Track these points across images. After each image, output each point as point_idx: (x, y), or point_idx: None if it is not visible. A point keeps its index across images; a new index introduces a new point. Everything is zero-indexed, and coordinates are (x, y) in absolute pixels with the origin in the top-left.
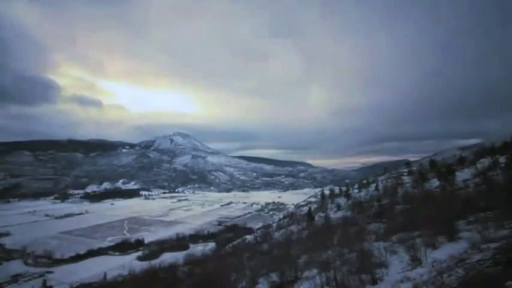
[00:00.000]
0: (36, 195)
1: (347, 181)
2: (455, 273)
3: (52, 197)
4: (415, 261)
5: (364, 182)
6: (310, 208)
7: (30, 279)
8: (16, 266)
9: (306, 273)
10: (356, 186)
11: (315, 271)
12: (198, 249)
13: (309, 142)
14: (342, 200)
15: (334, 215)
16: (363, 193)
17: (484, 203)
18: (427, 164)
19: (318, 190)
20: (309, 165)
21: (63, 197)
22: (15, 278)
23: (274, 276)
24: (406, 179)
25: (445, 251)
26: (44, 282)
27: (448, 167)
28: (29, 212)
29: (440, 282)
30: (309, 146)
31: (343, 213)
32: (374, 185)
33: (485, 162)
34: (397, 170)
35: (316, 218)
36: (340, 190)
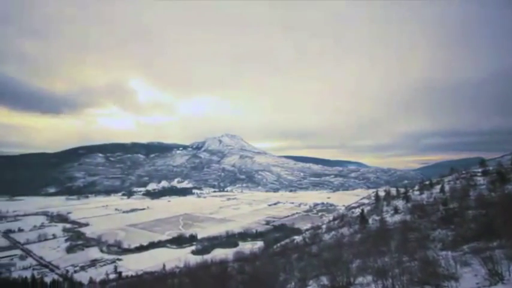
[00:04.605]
0: (108, 191)
1: (405, 182)
2: None
3: (120, 194)
4: (495, 276)
5: (427, 182)
6: (362, 210)
7: (104, 265)
8: (93, 252)
9: (360, 279)
10: (416, 187)
11: (369, 278)
12: (246, 247)
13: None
14: (399, 203)
15: (391, 218)
16: (425, 195)
17: None
18: (507, 163)
19: (371, 191)
20: (361, 165)
21: (129, 193)
22: (93, 263)
23: (325, 280)
24: (480, 180)
25: None
26: (115, 268)
27: None
28: (103, 206)
29: None
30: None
31: (402, 216)
32: (439, 186)
33: None
34: (467, 170)
35: (370, 221)
36: (398, 191)
